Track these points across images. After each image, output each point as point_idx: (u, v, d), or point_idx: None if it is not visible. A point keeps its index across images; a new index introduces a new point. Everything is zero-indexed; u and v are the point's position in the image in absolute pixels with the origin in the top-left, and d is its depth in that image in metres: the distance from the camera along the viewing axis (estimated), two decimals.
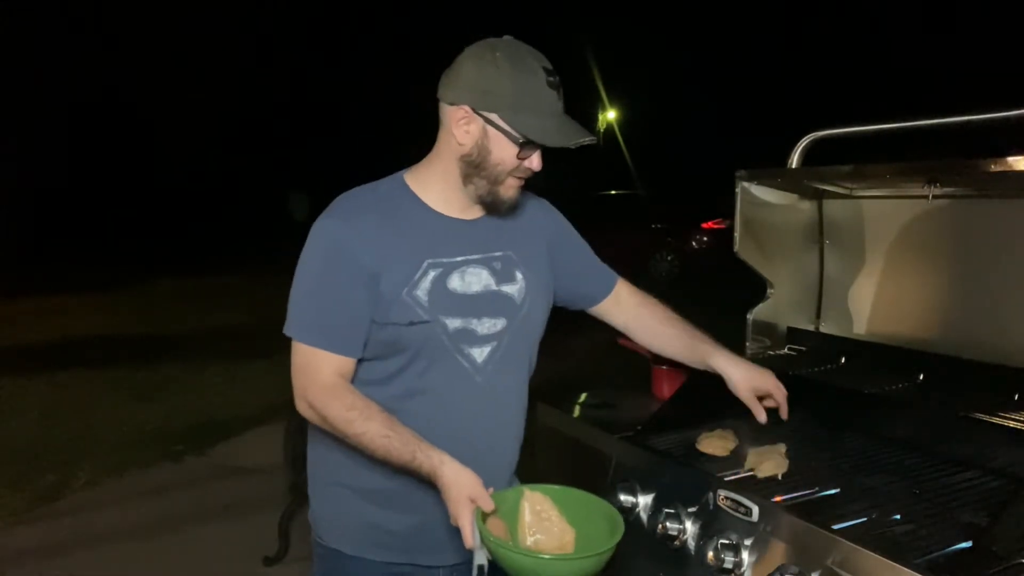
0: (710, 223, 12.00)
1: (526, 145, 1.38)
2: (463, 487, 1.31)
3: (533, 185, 1.53)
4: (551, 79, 1.37)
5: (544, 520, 1.35)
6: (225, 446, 5.12)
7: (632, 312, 1.73)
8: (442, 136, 1.45)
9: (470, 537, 1.28)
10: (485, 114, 1.38)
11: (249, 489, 4.28)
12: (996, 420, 1.66)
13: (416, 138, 1.51)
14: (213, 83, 20.43)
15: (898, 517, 1.39)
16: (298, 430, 1.60)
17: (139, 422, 5.52)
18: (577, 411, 2.15)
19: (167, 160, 20.19)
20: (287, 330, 1.45)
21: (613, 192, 14.57)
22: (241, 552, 3.53)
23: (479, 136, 1.39)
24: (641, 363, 2.35)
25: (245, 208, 19.17)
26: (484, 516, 1.29)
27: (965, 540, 1.28)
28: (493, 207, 1.48)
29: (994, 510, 1.33)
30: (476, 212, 1.51)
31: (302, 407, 1.44)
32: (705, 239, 12.17)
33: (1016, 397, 1.77)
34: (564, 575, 1.26)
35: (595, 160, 22.30)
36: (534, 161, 1.42)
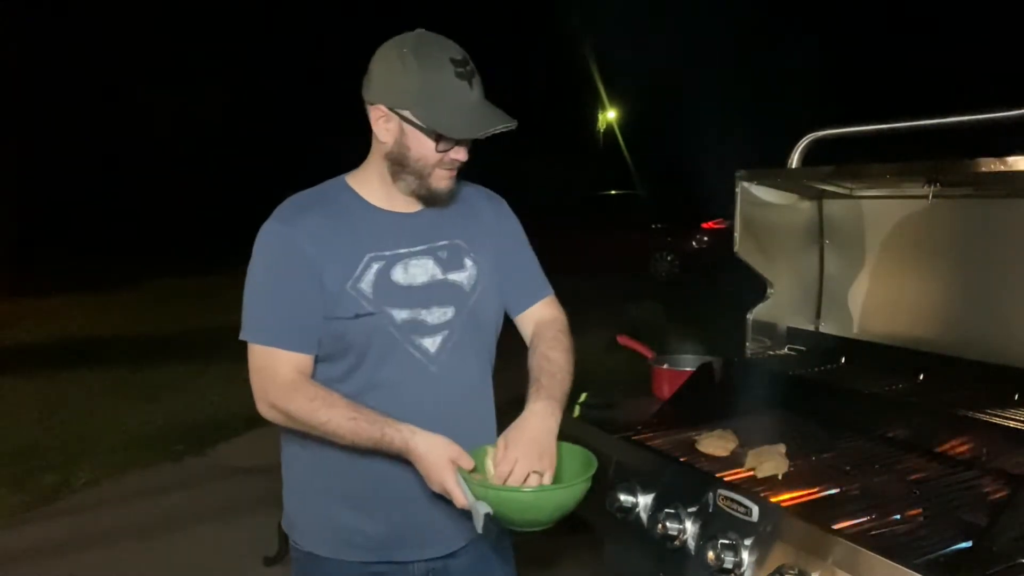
0: (710, 223, 11.99)
1: (442, 139, 1.38)
2: (440, 451, 1.33)
3: (533, 183, 1.52)
4: (460, 69, 1.36)
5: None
6: (225, 446, 5.11)
7: (536, 331, 1.60)
8: (373, 136, 1.46)
9: (461, 497, 1.30)
10: (399, 111, 1.39)
11: (249, 489, 4.27)
12: (996, 420, 1.66)
13: None
14: (214, 82, 20.43)
15: (898, 517, 1.39)
16: None
17: (139, 422, 5.52)
18: (577, 411, 2.15)
19: (167, 160, 20.18)
20: (243, 335, 1.45)
21: (613, 192, 14.55)
22: (241, 552, 3.53)
23: (397, 133, 1.41)
24: (641, 363, 2.36)
25: (245, 208, 19.14)
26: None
27: (965, 540, 1.28)
28: (430, 200, 1.48)
29: (994, 510, 1.33)
30: (418, 205, 1.51)
31: (263, 408, 1.44)
32: (705, 239, 12.15)
33: (1016, 397, 1.77)
34: (564, 503, 1.31)
35: (595, 160, 22.30)
36: (459, 153, 1.42)
